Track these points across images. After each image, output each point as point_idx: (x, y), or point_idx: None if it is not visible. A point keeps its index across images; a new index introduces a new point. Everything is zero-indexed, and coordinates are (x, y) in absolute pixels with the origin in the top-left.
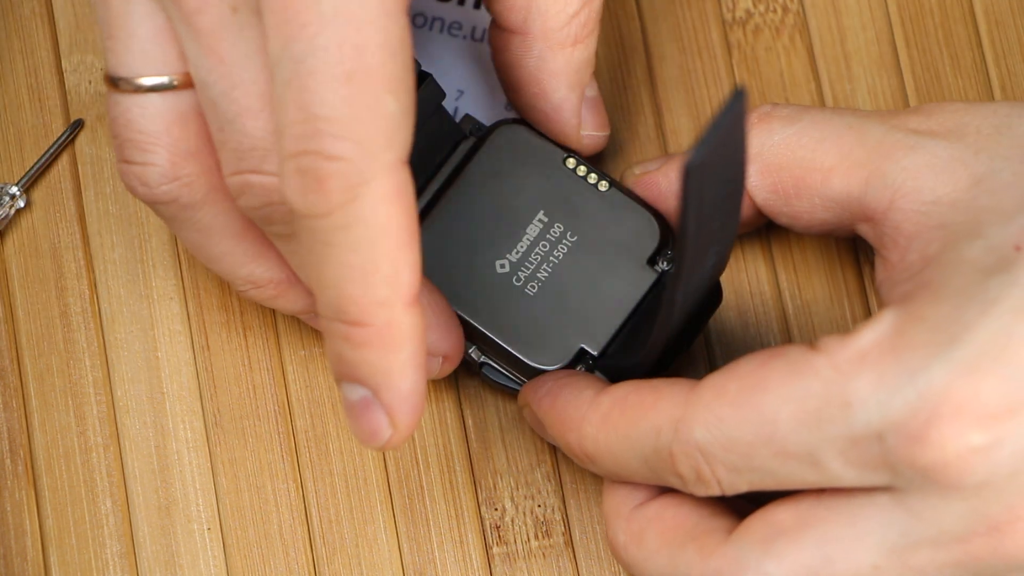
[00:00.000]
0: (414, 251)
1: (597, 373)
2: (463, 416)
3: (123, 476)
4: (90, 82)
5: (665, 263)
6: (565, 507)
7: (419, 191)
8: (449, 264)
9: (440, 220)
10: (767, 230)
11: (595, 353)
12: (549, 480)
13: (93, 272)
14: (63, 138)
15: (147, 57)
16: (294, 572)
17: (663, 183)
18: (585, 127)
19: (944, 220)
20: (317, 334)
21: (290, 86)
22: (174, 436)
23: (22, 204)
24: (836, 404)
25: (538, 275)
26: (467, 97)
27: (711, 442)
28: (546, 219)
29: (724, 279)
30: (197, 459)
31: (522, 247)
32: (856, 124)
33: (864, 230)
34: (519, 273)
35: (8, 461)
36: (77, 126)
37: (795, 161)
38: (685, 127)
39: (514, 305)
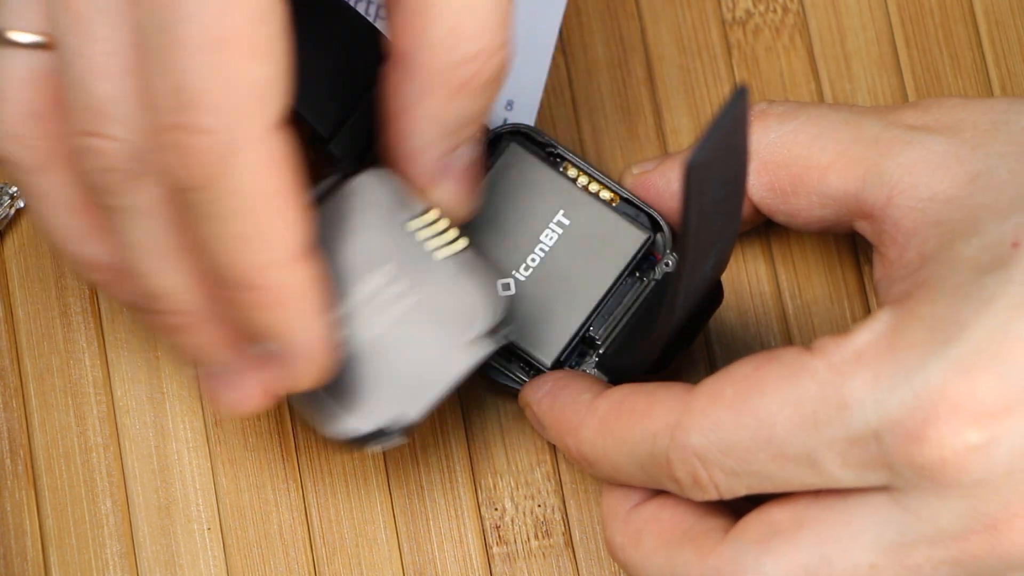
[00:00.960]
0: (295, 210)
1: (597, 372)
2: (463, 416)
3: (123, 476)
4: None
5: (666, 263)
6: (565, 507)
7: None
8: None
9: None
10: (767, 229)
11: (405, 425)
12: (549, 480)
13: None
14: None
15: (18, 13)
16: (294, 572)
17: (660, 183)
18: (441, 190)
19: (941, 217)
20: None
21: (158, 55)
22: (174, 436)
23: (22, 204)
24: (833, 405)
25: (369, 331)
26: None
27: (708, 447)
28: (390, 274)
29: (724, 279)
30: (197, 459)
31: (359, 299)
32: (852, 120)
33: (862, 227)
34: (348, 327)
35: (8, 461)
36: None
37: (792, 159)
38: (685, 127)
39: (336, 366)
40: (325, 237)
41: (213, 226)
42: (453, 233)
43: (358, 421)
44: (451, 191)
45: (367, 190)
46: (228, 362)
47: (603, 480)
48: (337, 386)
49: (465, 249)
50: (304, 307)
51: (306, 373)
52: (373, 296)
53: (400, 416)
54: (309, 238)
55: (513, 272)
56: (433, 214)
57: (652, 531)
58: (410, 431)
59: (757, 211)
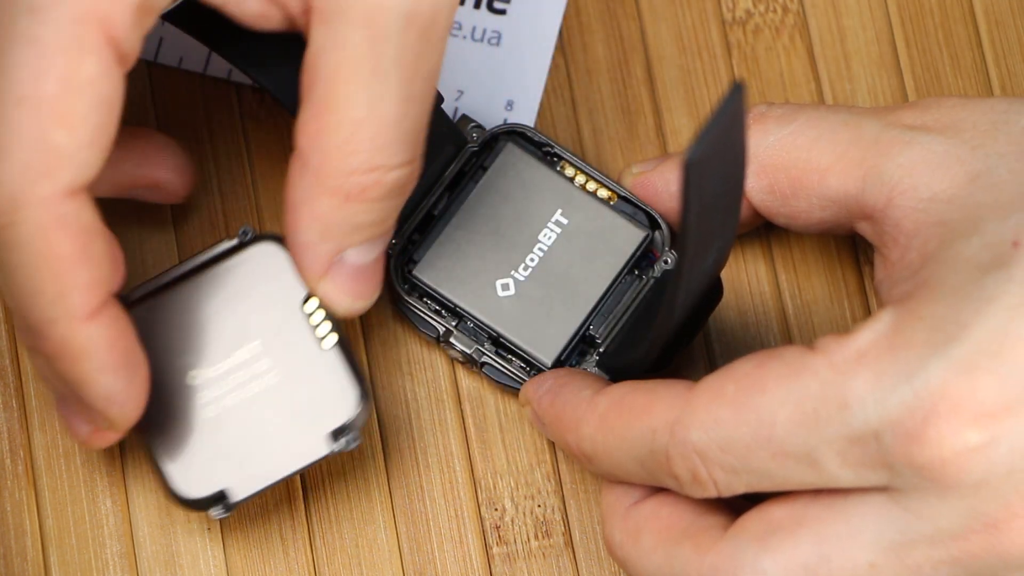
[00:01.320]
0: (85, 273)
1: (597, 371)
2: (463, 416)
3: (123, 476)
4: None
5: (665, 261)
6: (565, 507)
7: (422, 194)
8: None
9: (158, 311)
10: (767, 230)
11: (233, 500)
12: (549, 480)
13: None
14: None
15: None
16: (294, 572)
17: (659, 183)
18: (324, 287)
19: (942, 217)
20: None
21: None
22: None
23: None
24: (834, 404)
25: (223, 401)
26: (467, 97)
27: (708, 444)
28: (259, 350)
29: (724, 278)
30: None
31: (223, 368)
32: (851, 121)
33: (863, 228)
34: (205, 392)
35: (8, 461)
36: None
37: (791, 161)
38: (685, 127)
39: (182, 421)
40: (208, 299)
41: (4, 273)
42: (327, 327)
43: (185, 485)
44: (333, 290)
45: (265, 260)
46: (63, 394)
47: (603, 477)
48: (180, 445)
49: (338, 344)
50: (93, 364)
51: (105, 422)
52: (234, 369)
53: (227, 492)
54: (101, 300)
55: (512, 272)
56: (314, 303)
57: (651, 528)
58: (232, 508)
59: (756, 213)
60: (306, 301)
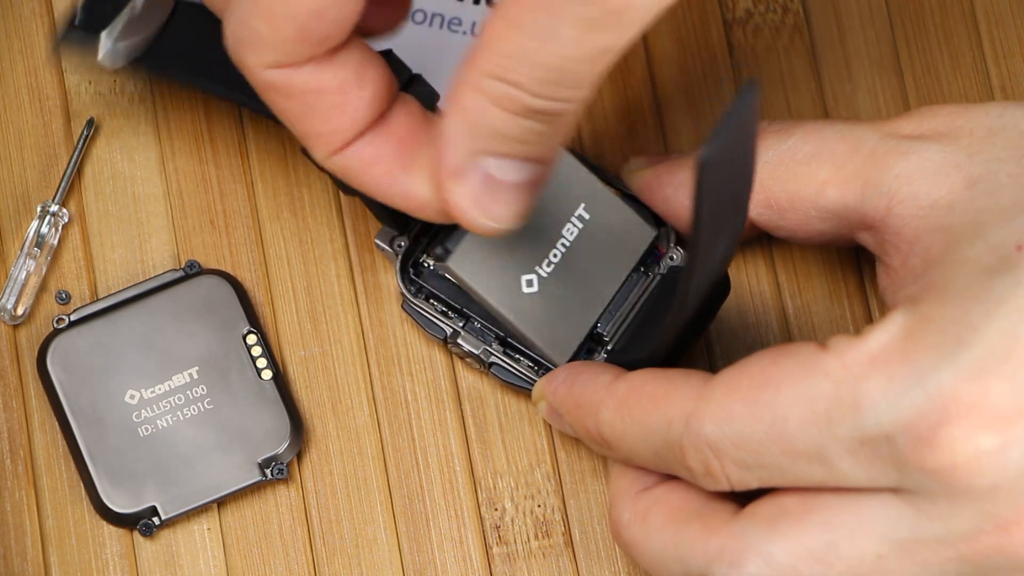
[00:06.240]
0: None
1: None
2: (463, 416)
3: None
4: (90, 82)
5: (671, 257)
6: (565, 507)
7: None
8: (83, 382)
9: (101, 330)
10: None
11: (160, 518)
12: (549, 480)
13: (93, 272)
14: (82, 143)
15: None
16: (294, 572)
17: (655, 186)
18: (463, 190)
19: (943, 223)
20: (317, 334)
21: None
22: None
23: (66, 219)
24: (846, 405)
25: (158, 421)
26: None
27: (721, 438)
28: (196, 376)
29: None
30: None
31: (159, 390)
32: (848, 133)
33: (864, 238)
34: (142, 411)
35: (8, 461)
36: (91, 125)
37: (789, 176)
38: (685, 126)
39: (117, 437)
40: (150, 324)
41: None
42: (265, 362)
43: (112, 499)
44: (463, 194)
45: (210, 292)
46: None
47: (620, 462)
48: (114, 461)
49: (274, 378)
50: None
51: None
52: (171, 392)
53: (155, 510)
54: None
55: (536, 267)
56: (255, 337)
57: (660, 509)
58: (159, 526)
59: (753, 226)
60: (247, 335)
